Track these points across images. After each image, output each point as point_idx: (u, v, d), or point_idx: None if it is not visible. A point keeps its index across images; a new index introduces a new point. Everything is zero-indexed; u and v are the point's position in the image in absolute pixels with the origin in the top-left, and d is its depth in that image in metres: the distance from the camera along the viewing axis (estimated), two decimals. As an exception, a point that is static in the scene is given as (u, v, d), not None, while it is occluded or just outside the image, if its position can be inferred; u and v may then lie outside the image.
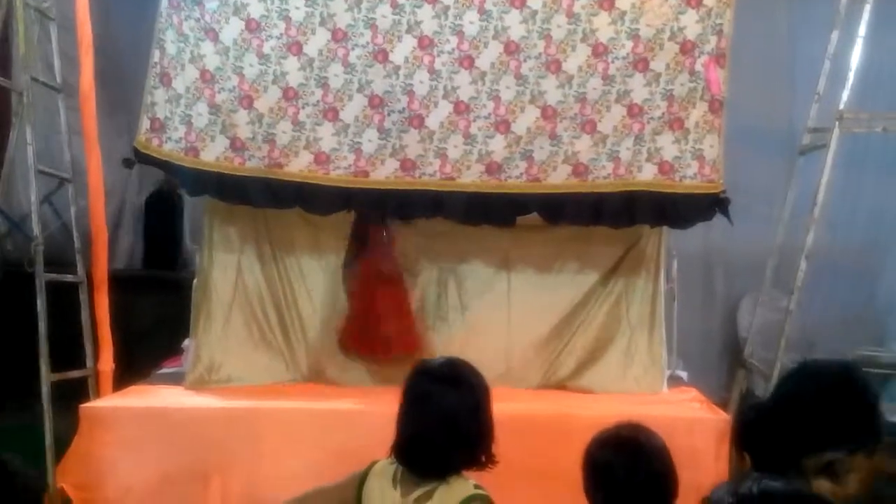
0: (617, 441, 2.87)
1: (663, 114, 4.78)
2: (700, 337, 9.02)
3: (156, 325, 8.24)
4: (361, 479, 3.08)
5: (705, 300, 9.34)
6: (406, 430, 3.00)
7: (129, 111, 5.34)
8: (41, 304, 4.88)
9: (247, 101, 4.78)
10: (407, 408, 3.04)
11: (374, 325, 5.04)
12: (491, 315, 5.30)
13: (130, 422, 4.61)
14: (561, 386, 5.31)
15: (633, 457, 2.80)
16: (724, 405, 5.21)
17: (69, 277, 5.30)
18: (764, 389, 6.57)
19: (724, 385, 7.88)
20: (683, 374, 5.70)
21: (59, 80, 5.31)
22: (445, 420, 2.91)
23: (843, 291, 8.66)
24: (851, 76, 4.94)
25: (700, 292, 9.16)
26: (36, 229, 4.95)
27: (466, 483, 2.96)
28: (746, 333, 8.68)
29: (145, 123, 4.85)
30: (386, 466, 3.08)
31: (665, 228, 5.25)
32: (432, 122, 4.80)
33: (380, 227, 5.07)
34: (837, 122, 4.89)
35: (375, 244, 5.06)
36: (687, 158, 4.78)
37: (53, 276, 5.08)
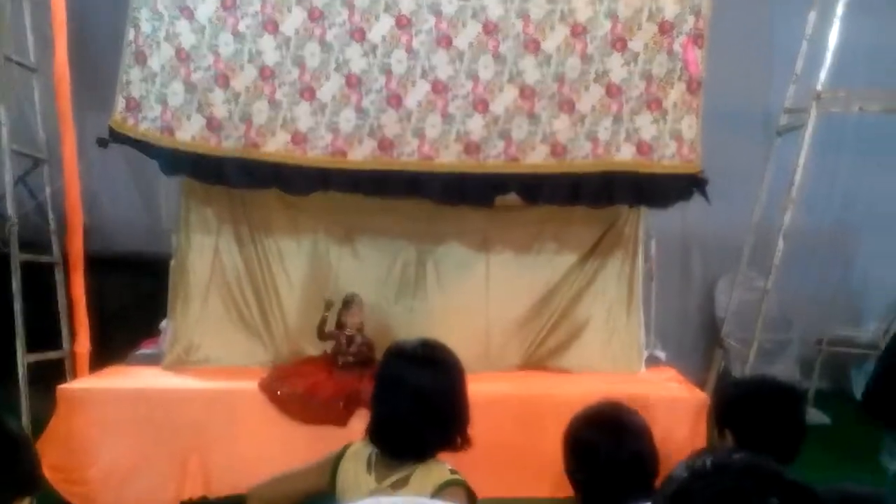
0: (599, 420, 2.86)
1: (641, 94, 4.78)
2: (677, 317, 9.05)
3: (131, 306, 8.21)
4: (335, 463, 3.06)
5: (682, 281, 9.38)
6: (380, 411, 2.98)
7: (104, 90, 5.27)
8: (16, 285, 4.86)
9: (223, 80, 4.74)
10: (381, 389, 3.01)
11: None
12: (470, 296, 5.30)
13: (108, 403, 4.58)
14: (540, 366, 5.33)
15: (615, 436, 2.80)
16: (701, 385, 5.25)
17: (44, 258, 5.26)
18: (741, 369, 6.63)
19: (701, 365, 7.92)
20: (661, 354, 5.73)
21: (32, 58, 5.26)
22: (419, 401, 2.89)
23: (819, 272, 8.72)
24: (829, 56, 4.96)
25: (677, 273, 9.19)
26: (10, 210, 4.91)
27: (442, 467, 2.95)
28: (724, 313, 8.75)
29: (120, 103, 4.79)
30: (360, 450, 3.05)
31: (643, 209, 5.27)
32: (410, 101, 4.77)
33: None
34: (815, 102, 4.92)
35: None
36: (665, 139, 4.79)
37: (29, 256, 5.05)
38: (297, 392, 4.59)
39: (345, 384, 4.63)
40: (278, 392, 4.61)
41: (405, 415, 2.88)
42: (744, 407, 3.18)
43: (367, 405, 4.31)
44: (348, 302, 4.92)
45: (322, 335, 4.91)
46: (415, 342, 3.07)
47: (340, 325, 4.90)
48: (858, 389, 9.30)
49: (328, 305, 4.92)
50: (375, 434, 2.96)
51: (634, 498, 2.58)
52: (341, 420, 4.51)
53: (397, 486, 2.88)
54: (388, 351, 3.09)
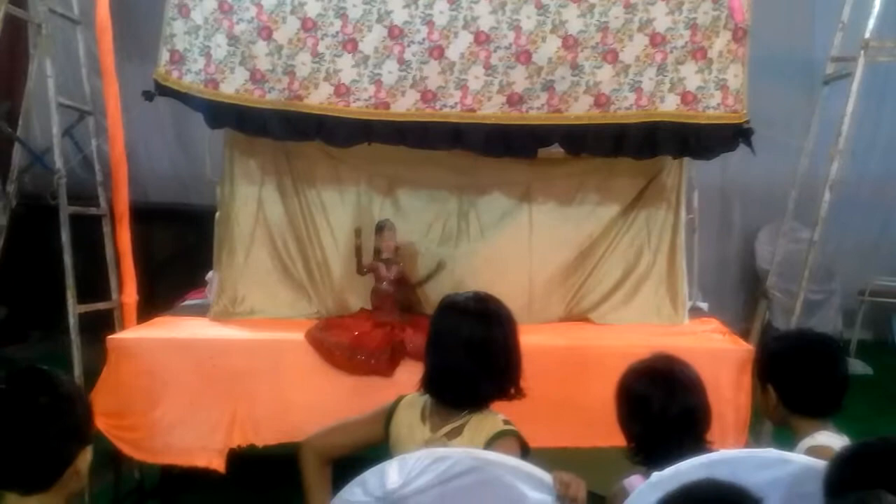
0: (652, 373, 2.90)
1: (686, 43, 4.71)
2: (716, 268, 9.07)
3: (173, 257, 8.34)
4: (389, 414, 3.11)
5: (722, 231, 9.38)
6: (435, 362, 3.04)
7: (146, 42, 5.29)
8: (66, 237, 4.91)
9: (266, 33, 4.73)
10: (435, 341, 3.08)
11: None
12: (512, 248, 5.29)
13: (158, 353, 4.65)
14: (583, 318, 5.33)
15: (668, 390, 2.83)
16: (742, 336, 5.23)
17: (92, 210, 5.32)
18: (783, 321, 6.62)
19: (740, 316, 7.93)
20: (704, 305, 5.71)
21: (76, 11, 5.28)
22: (474, 352, 2.95)
23: (860, 222, 8.69)
24: (878, 3, 4.87)
25: (717, 223, 9.20)
26: (58, 162, 4.96)
27: (496, 418, 3.00)
28: (764, 264, 8.74)
29: (164, 56, 4.80)
30: (414, 401, 3.12)
31: (686, 160, 5.23)
32: (452, 52, 4.74)
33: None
34: (863, 51, 4.83)
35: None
36: (710, 88, 4.73)
37: (77, 208, 5.11)
38: (343, 343, 4.63)
39: (390, 336, 4.66)
40: (325, 343, 4.65)
41: (460, 365, 2.93)
42: (785, 361, 3.18)
43: (413, 356, 4.40)
44: (381, 227, 4.95)
45: (360, 268, 4.93)
46: (467, 295, 3.12)
47: (376, 252, 4.93)
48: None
49: (358, 233, 4.94)
50: (430, 384, 3.01)
51: (687, 450, 2.61)
52: (387, 371, 4.56)
53: (451, 436, 2.94)
54: (441, 303, 3.14)
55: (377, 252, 4.93)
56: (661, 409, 2.82)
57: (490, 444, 2.89)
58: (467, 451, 2.70)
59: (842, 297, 9.19)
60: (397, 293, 4.94)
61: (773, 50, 6.21)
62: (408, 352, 4.55)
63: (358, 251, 4.92)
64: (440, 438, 2.95)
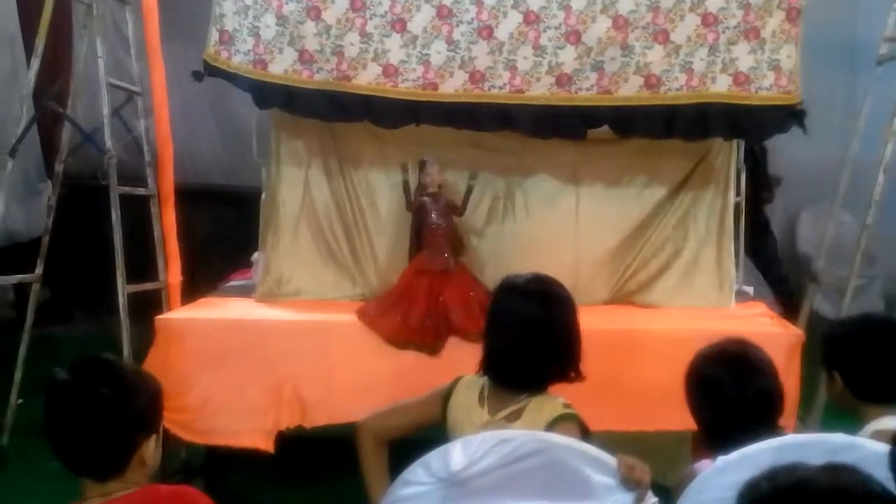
0: (726, 357, 2.86)
1: (739, 23, 4.65)
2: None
3: (216, 238, 8.36)
4: (447, 396, 3.09)
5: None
6: (494, 344, 3.01)
7: (192, 22, 5.29)
8: (116, 217, 4.94)
9: (314, 13, 4.72)
10: (495, 323, 3.05)
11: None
12: (559, 229, 5.26)
13: (205, 333, 4.66)
14: (629, 300, 5.30)
15: (742, 373, 2.80)
16: (790, 320, 5.17)
17: (141, 191, 5.34)
18: (829, 306, 6.54)
19: (780, 300, 7.84)
20: (749, 289, 5.65)
21: (125, -9, 5.30)
22: (534, 334, 2.93)
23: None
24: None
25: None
26: (109, 143, 4.97)
27: (555, 401, 2.97)
28: (806, 247, 8.64)
29: (214, 36, 4.80)
30: (472, 383, 3.09)
31: (736, 141, 5.17)
32: (501, 33, 4.71)
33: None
34: (919, 31, 4.76)
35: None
36: (763, 69, 4.66)
37: (127, 189, 5.13)
38: (391, 326, 4.65)
39: (435, 311, 4.66)
40: (375, 327, 4.66)
41: (519, 346, 2.91)
42: (850, 347, 3.13)
43: (458, 332, 4.40)
44: (423, 164, 4.95)
45: (409, 204, 4.98)
46: (526, 276, 3.09)
47: (421, 188, 4.94)
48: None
49: (405, 168, 4.97)
50: (489, 365, 2.98)
51: (762, 435, 2.57)
52: (434, 350, 4.57)
53: (511, 419, 2.92)
54: (501, 285, 3.11)
55: (423, 188, 4.94)
56: (736, 393, 2.77)
57: (550, 427, 2.87)
58: (532, 433, 2.68)
59: (884, 283, 9.08)
60: (447, 226, 4.93)
61: (814, 30, 6.10)
62: (454, 328, 4.57)
63: (406, 186, 4.96)
64: (499, 421, 2.92)
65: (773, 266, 8.38)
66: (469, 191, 5.00)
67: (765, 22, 4.65)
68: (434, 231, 4.89)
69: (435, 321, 4.64)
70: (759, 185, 7.74)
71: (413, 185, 5.02)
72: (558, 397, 3.01)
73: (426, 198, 4.92)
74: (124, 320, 4.97)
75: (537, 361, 2.95)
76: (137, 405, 2.33)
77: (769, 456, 2.37)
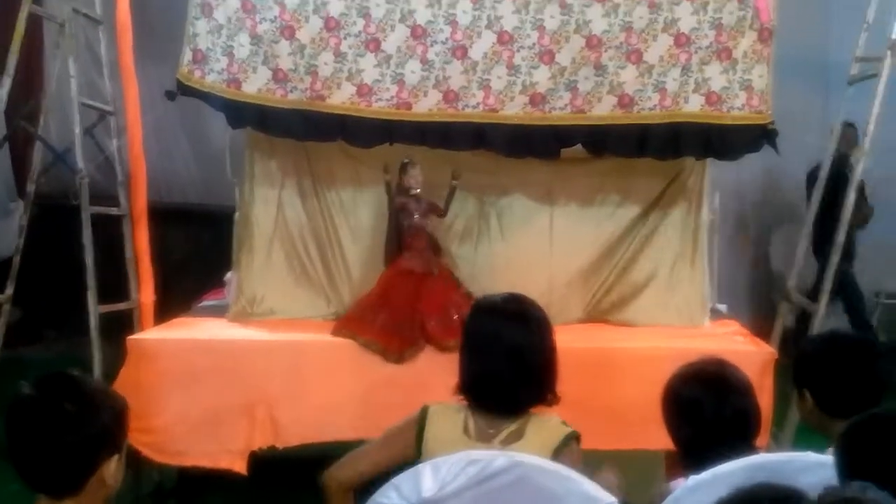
0: (703, 377, 2.85)
1: (711, 43, 4.69)
2: (731, 270, 9.00)
3: (189, 257, 8.31)
4: (419, 429, 2.96)
5: (736, 232, 9.31)
6: (473, 368, 2.95)
7: (166, 42, 5.28)
8: (87, 238, 4.90)
9: (288, 32, 4.72)
10: (473, 346, 2.98)
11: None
12: (533, 248, 5.28)
13: (177, 353, 4.62)
14: (603, 319, 5.31)
15: (721, 392, 2.79)
16: (763, 338, 5.19)
17: (114, 210, 5.30)
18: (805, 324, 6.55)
19: (755, 317, 7.88)
20: (723, 307, 5.68)
21: (99, 11, 5.26)
22: (515, 356, 2.87)
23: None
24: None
25: (731, 224, 9.13)
26: (80, 162, 4.94)
27: (555, 420, 2.93)
28: (779, 265, 8.69)
29: (187, 55, 4.79)
30: (445, 412, 2.98)
31: (709, 160, 5.20)
32: (475, 52, 4.72)
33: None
34: (889, 51, 4.80)
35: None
36: (735, 89, 4.71)
37: (99, 209, 5.09)
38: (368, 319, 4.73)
39: (412, 317, 4.68)
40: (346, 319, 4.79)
41: (501, 372, 2.86)
42: (818, 365, 3.12)
43: (433, 341, 4.41)
44: (405, 165, 4.92)
45: (391, 205, 4.95)
46: (504, 297, 3.03)
47: (404, 191, 4.92)
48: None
49: (387, 169, 4.92)
50: (472, 391, 2.93)
51: (738, 454, 2.57)
52: (399, 359, 4.61)
53: (510, 440, 2.85)
54: (476, 307, 3.07)
55: (405, 190, 4.91)
56: (714, 413, 2.76)
57: (561, 449, 2.83)
58: (501, 452, 2.65)
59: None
60: (428, 228, 4.94)
61: (787, 49, 6.17)
62: (429, 337, 4.61)
63: (388, 187, 4.94)
64: (497, 446, 2.81)
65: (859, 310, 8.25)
66: (452, 190, 4.97)
67: (737, 42, 4.69)
68: (416, 233, 4.89)
69: (410, 328, 4.64)
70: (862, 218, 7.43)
71: (395, 186, 4.98)
72: (553, 415, 2.98)
73: (409, 199, 4.90)
74: (95, 340, 4.93)
75: (518, 387, 2.90)
76: (101, 423, 2.28)
77: (740, 475, 2.37)
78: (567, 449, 2.84)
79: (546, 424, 2.91)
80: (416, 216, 4.88)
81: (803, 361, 3.20)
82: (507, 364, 2.86)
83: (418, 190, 4.91)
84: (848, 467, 2.15)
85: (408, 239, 4.90)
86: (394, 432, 3.02)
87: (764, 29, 4.66)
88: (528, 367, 2.88)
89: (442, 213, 5.01)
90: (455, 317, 4.52)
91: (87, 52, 5.45)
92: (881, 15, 5.23)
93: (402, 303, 4.73)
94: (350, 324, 4.77)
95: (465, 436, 2.89)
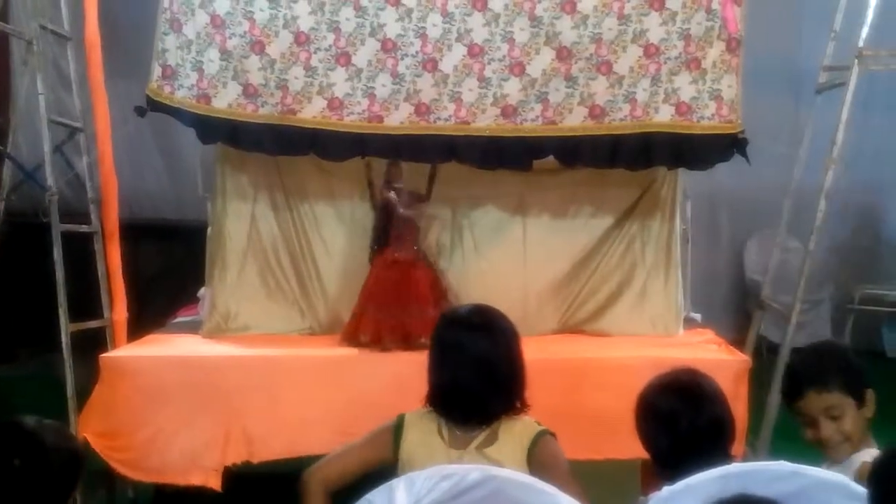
0: (678, 387, 2.85)
1: (680, 54, 4.72)
2: (705, 278, 9.04)
3: (161, 274, 8.27)
4: (396, 435, 3.04)
5: (710, 241, 9.36)
6: (441, 379, 2.99)
7: (136, 58, 5.26)
8: (57, 255, 4.85)
9: (258, 47, 4.71)
10: (440, 357, 3.02)
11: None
12: (507, 260, 5.29)
13: (151, 371, 4.61)
14: (578, 330, 5.32)
15: (696, 403, 2.78)
16: (738, 346, 5.21)
17: (84, 228, 5.26)
18: (776, 331, 6.59)
19: (730, 326, 7.92)
20: (697, 316, 5.70)
21: (67, 27, 5.23)
22: (481, 367, 2.91)
23: (850, 231, 8.70)
24: (871, 12, 4.88)
25: (705, 234, 9.18)
26: (50, 180, 4.91)
27: (525, 419, 2.98)
28: (753, 275, 8.74)
29: (156, 70, 4.78)
30: (422, 419, 3.05)
31: (680, 170, 5.23)
32: (446, 65, 4.73)
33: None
34: (857, 60, 4.84)
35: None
36: (704, 99, 4.73)
37: (69, 226, 5.05)
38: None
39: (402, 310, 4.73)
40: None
41: (468, 383, 2.90)
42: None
43: (413, 338, 4.54)
44: (390, 165, 4.91)
45: (374, 201, 4.96)
46: (470, 308, 3.09)
47: (388, 183, 4.91)
48: (890, 348, 9.33)
49: (368, 166, 4.95)
50: (440, 403, 2.96)
51: (712, 464, 2.57)
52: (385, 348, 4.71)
53: (485, 445, 2.90)
54: (443, 318, 3.10)
55: (389, 183, 4.90)
56: (689, 423, 2.76)
57: (534, 445, 2.93)
58: (475, 466, 2.65)
59: (831, 307, 9.20)
60: (413, 216, 4.93)
61: (759, 58, 6.21)
62: (412, 336, 4.67)
63: (371, 185, 4.94)
64: (472, 452, 2.91)
65: None
66: (433, 174, 4.96)
67: (705, 53, 4.72)
68: (402, 224, 4.88)
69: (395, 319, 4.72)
70: None
71: (378, 182, 4.99)
72: (525, 417, 3.02)
73: (391, 193, 4.88)
74: (68, 359, 4.88)
75: (486, 397, 2.94)
76: (50, 477, 2.24)
77: (714, 485, 2.37)
78: (542, 442, 2.90)
79: (518, 424, 2.96)
80: (399, 209, 4.88)
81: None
82: (473, 375, 2.90)
83: (399, 183, 4.89)
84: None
85: (395, 231, 4.90)
86: (372, 437, 3.09)
87: (732, 39, 4.69)
88: (495, 377, 2.92)
89: (425, 199, 4.99)
90: (431, 313, 4.52)
91: (52, 68, 5.41)
92: (849, 24, 5.27)
93: (388, 294, 4.79)
94: (350, 329, 4.83)
95: (441, 441, 2.96)
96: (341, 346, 4.83)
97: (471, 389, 2.91)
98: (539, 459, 2.93)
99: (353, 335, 4.82)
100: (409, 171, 4.94)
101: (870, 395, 3.02)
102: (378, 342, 4.72)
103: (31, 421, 2.32)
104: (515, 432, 2.95)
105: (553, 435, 2.99)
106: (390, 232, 4.90)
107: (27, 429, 2.28)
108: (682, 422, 2.77)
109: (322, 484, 3.03)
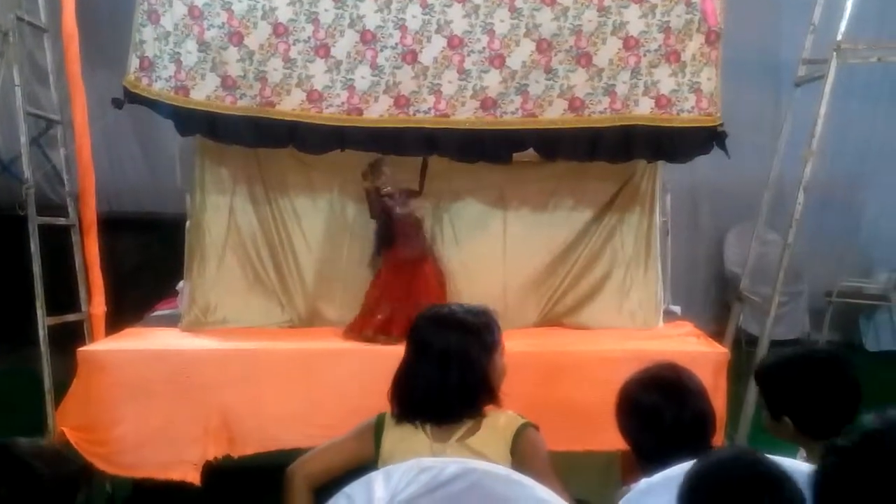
0: (661, 382, 2.85)
1: (660, 46, 4.71)
2: (686, 271, 9.09)
3: (140, 267, 8.23)
4: (377, 431, 3.04)
5: (690, 234, 9.40)
6: (420, 379, 2.99)
7: (114, 50, 5.22)
8: (35, 248, 4.83)
9: (237, 38, 4.68)
10: (417, 356, 3.02)
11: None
12: (487, 253, 5.27)
13: (129, 364, 4.57)
14: (557, 323, 5.32)
15: (679, 398, 2.79)
16: (717, 339, 5.23)
17: (61, 221, 5.23)
18: (755, 323, 6.64)
19: (710, 318, 7.96)
20: (677, 309, 5.71)
21: (43, 18, 5.19)
22: (461, 364, 2.92)
23: (828, 223, 8.73)
24: (849, 5, 4.90)
25: (685, 226, 9.22)
26: (27, 172, 4.88)
27: (508, 412, 2.99)
28: (733, 267, 8.78)
29: (134, 62, 4.74)
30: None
31: (660, 163, 5.23)
32: (426, 57, 4.71)
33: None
34: (835, 53, 4.86)
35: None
36: (684, 92, 4.73)
37: (46, 219, 5.02)
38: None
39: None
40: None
41: (448, 380, 2.91)
42: (795, 391, 3.05)
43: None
44: (374, 165, 4.86)
45: (373, 212, 4.91)
46: (449, 306, 3.08)
47: (375, 192, 4.88)
48: (868, 340, 9.38)
49: (366, 175, 4.88)
50: (419, 403, 2.96)
51: (695, 457, 2.56)
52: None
53: (465, 438, 2.90)
54: (421, 316, 3.10)
55: (376, 191, 4.86)
56: (673, 418, 2.77)
57: (518, 438, 2.94)
58: (453, 459, 2.66)
59: (809, 299, 9.25)
60: (411, 212, 4.92)
61: (739, 51, 6.22)
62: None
63: (368, 194, 4.90)
64: (454, 444, 2.91)
65: None
66: (424, 167, 4.92)
67: (685, 45, 4.72)
68: (402, 223, 4.87)
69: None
70: None
71: (371, 189, 4.93)
72: (507, 410, 3.03)
73: (385, 198, 4.86)
74: (45, 353, 4.86)
75: (468, 392, 2.96)
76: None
77: (692, 477, 2.38)
78: (525, 434, 2.91)
79: (503, 417, 2.98)
80: (397, 210, 4.86)
81: (777, 389, 3.09)
82: (455, 372, 2.90)
83: (388, 188, 4.86)
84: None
85: (398, 230, 4.88)
86: (355, 433, 3.09)
87: (711, 32, 4.69)
88: (476, 372, 2.92)
89: (418, 193, 4.96)
90: None
91: (29, 60, 5.37)
92: (827, 17, 5.29)
93: (399, 293, 4.80)
94: (356, 325, 4.85)
95: (424, 435, 2.97)
96: (346, 339, 4.85)
97: (452, 387, 2.92)
98: (521, 451, 2.94)
99: (358, 330, 4.83)
100: (398, 166, 4.91)
101: (784, 419, 2.99)
102: (388, 335, 4.71)
103: (24, 444, 2.22)
104: (499, 425, 2.96)
105: (536, 428, 3.00)
106: (395, 234, 4.89)
107: (17, 454, 2.19)
108: (665, 417, 2.77)
109: (306, 479, 3.03)
